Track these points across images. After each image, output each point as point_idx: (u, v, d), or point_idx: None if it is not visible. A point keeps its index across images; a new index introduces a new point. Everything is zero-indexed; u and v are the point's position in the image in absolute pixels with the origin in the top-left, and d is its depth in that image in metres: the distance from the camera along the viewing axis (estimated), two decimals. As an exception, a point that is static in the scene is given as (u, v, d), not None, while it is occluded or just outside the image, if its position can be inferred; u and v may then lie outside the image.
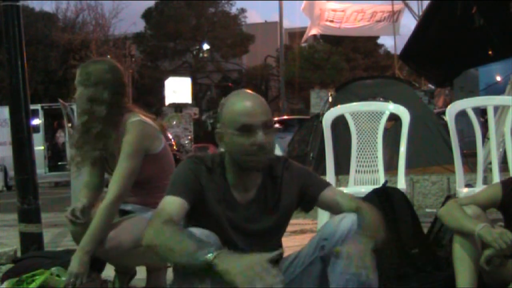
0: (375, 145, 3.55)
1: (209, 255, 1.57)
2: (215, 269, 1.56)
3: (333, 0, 19.02)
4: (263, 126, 1.78)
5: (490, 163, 3.45)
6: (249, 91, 1.92)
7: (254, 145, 1.77)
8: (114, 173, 2.50)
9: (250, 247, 1.83)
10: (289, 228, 2.04)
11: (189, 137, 20.21)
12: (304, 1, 18.80)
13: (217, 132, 1.87)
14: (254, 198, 1.90)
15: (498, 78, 10.77)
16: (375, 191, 2.79)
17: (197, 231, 1.71)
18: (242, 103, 1.81)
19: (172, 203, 1.77)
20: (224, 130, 1.83)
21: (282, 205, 1.92)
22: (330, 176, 3.51)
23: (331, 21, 18.71)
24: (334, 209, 1.92)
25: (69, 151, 3.85)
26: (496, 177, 3.26)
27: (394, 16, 18.31)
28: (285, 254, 1.99)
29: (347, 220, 1.79)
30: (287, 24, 26.55)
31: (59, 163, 14.85)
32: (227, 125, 1.82)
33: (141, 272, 3.18)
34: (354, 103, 3.93)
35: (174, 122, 20.13)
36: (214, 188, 1.85)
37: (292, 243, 3.39)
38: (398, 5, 17.98)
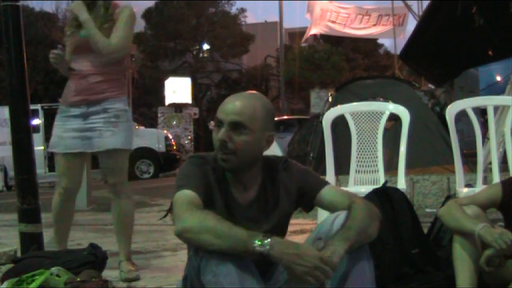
0: (375, 145, 3.55)
1: (264, 241, 1.60)
2: (268, 256, 1.59)
3: (335, 0, 18.99)
4: (231, 125, 1.80)
5: (490, 163, 3.45)
6: (251, 92, 1.93)
7: (216, 140, 1.82)
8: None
9: None
10: (289, 228, 2.04)
11: (189, 137, 20.20)
12: (307, 2, 18.79)
13: None
14: (254, 198, 1.90)
15: (498, 78, 10.77)
16: (375, 191, 2.79)
17: None
18: (227, 100, 1.86)
19: (190, 197, 1.76)
20: None
21: (281, 206, 1.92)
22: (330, 176, 3.52)
23: (333, 21, 18.67)
24: (331, 207, 1.92)
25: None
26: (496, 177, 3.26)
27: (400, 20, 18.28)
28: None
29: (340, 219, 1.78)
30: (287, 24, 26.50)
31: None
32: None
33: (143, 277, 3.19)
34: (354, 103, 3.93)
35: (174, 122, 20.11)
36: (218, 187, 1.86)
37: (292, 243, 3.38)
38: (404, 9, 17.87)
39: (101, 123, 3.12)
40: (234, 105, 1.83)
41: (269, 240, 1.60)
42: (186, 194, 1.76)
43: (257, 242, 1.60)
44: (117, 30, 3.14)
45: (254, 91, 1.98)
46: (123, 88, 3.27)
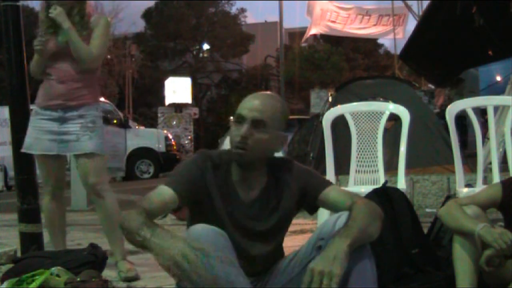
0: (375, 145, 3.55)
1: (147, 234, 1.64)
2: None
3: (335, 0, 18.99)
4: (252, 122, 1.83)
5: (490, 163, 3.45)
6: (270, 93, 1.99)
7: (237, 136, 1.83)
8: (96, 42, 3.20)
9: (252, 246, 1.84)
10: (289, 228, 2.04)
11: (189, 137, 20.20)
12: (307, 3, 18.78)
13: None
14: (257, 197, 1.91)
15: (498, 78, 10.77)
16: (375, 191, 2.78)
17: (206, 228, 1.73)
18: (248, 97, 1.89)
19: (162, 194, 1.81)
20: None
21: (283, 206, 1.92)
22: (330, 176, 3.52)
23: (333, 21, 18.66)
24: (333, 208, 1.92)
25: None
26: (496, 177, 3.26)
27: (400, 20, 18.27)
28: (285, 254, 1.99)
29: (343, 219, 1.79)
30: (287, 24, 26.42)
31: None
32: None
33: (143, 277, 3.18)
34: (354, 103, 3.93)
35: (174, 122, 20.12)
36: (219, 184, 1.87)
37: (292, 243, 3.38)
38: (404, 9, 17.86)
39: (78, 127, 3.20)
40: (256, 102, 1.87)
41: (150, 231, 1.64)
42: (157, 192, 1.82)
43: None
44: (96, 39, 3.22)
45: (271, 92, 2.01)
46: (98, 95, 3.39)
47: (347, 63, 27.59)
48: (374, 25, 18.77)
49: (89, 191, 3.28)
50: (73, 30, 3.14)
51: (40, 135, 3.23)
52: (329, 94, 8.65)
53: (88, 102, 3.24)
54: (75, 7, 3.24)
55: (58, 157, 3.27)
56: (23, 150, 3.29)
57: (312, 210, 1.99)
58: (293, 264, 1.88)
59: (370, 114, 3.59)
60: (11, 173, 11.65)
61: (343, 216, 1.80)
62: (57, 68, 3.23)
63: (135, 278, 3.14)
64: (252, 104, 1.86)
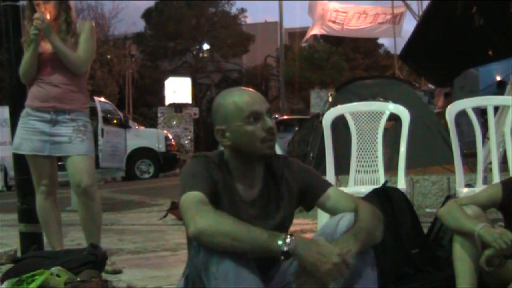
0: (375, 145, 3.55)
1: (286, 241, 1.60)
2: (293, 255, 1.60)
3: (336, 0, 19.01)
4: (268, 113, 1.84)
5: (490, 163, 3.45)
6: (238, 87, 1.95)
7: (264, 131, 1.81)
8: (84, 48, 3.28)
9: None
10: (289, 228, 2.04)
11: (189, 137, 20.20)
12: (308, 3, 18.81)
13: (217, 130, 1.86)
14: (258, 196, 1.90)
15: (498, 78, 10.77)
16: (375, 191, 2.78)
17: None
18: (242, 95, 1.86)
19: (199, 196, 1.73)
20: (227, 126, 1.84)
21: (284, 204, 1.92)
22: (330, 176, 3.52)
23: (333, 21, 18.68)
24: (334, 210, 1.91)
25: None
26: (496, 177, 3.26)
27: (396, 19, 18.29)
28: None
29: (345, 220, 1.79)
30: (287, 24, 26.45)
31: (59, 163, 14.86)
32: (231, 119, 1.83)
33: (143, 277, 3.19)
34: (354, 103, 3.93)
35: (174, 122, 20.11)
36: (223, 185, 1.86)
37: (292, 243, 3.38)
38: (400, 8, 17.91)
39: (71, 130, 3.26)
40: (254, 95, 1.87)
41: (292, 238, 1.61)
42: (195, 195, 1.74)
43: (281, 242, 1.60)
44: (82, 43, 3.29)
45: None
46: (88, 101, 3.46)
47: (347, 63, 27.55)
48: (370, 23, 18.79)
49: (81, 193, 3.26)
50: (59, 41, 3.18)
51: (30, 135, 3.26)
52: (329, 94, 8.64)
53: (80, 107, 3.31)
54: (61, 15, 3.26)
55: (50, 157, 3.31)
56: (12, 150, 3.35)
57: (310, 208, 1.99)
58: (295, 264, 1.87)
59: (370, 114, 3.59)
60: (11, 173, 11.65)
61: (345, 217, 1.80)
62: (51, 72, 3.26)
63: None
64: (255, 98, 1.85)
